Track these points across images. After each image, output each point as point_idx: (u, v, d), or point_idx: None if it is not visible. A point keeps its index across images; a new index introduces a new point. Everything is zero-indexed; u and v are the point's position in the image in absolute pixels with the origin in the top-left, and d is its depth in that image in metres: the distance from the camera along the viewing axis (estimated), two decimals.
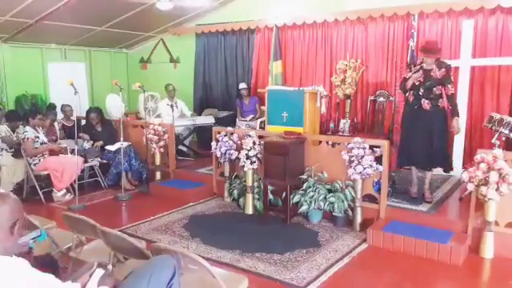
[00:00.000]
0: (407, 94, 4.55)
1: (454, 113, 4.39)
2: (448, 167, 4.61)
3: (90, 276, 1.79)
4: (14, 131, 5.94)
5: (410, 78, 4.45)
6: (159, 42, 9.05)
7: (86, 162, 5.83)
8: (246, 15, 7.56)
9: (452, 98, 4.39)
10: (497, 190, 3.53)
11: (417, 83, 4.38)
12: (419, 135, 4.40)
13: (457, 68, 5.68)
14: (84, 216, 2.83)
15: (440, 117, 4.41)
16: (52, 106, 7.18)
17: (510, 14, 5.52)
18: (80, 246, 2.94)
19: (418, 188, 4.68)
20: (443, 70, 4.32)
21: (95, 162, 5.97)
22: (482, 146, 5.14)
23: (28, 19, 6.77)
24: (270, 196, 4.75)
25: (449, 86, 4.33)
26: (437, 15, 6.02)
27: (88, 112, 6.45)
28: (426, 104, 4.35)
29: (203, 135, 7.44)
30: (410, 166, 4.69)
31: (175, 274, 2.00)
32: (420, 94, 4.38)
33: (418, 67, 4.43)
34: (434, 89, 4.34)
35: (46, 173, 5.41)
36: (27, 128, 5.50)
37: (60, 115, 6.84)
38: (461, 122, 5.54)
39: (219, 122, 7.15)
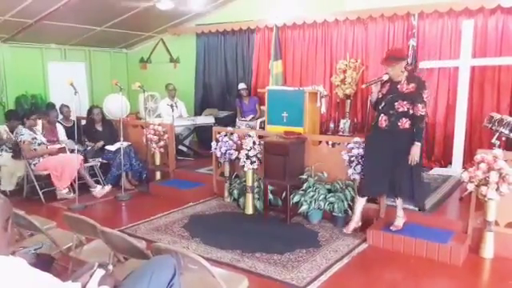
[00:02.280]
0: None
1: (416, 136, 3.66)
2: (416, 202, 3.97)
3: (91, 276, 1.79)
4: (12, 131, 5.94)
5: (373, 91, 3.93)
6: (159, 41, 9.06)
7: (86, 161, 5.82)
8: (245, 15, 7.57)
9: (420, 120, 3.65)
10: (497, 189, 3.53)
11: (380, 96, 3.81)
12: (373, 157, 3.87)
13: (456, 68, 5.70)
14: (84, 216, 2.83)
15: (398, 138, 3.70)
16: (50, 105, 7.17)
17: (510, 13, 5.53)
18: (80, 246, 2.94)
19: (356, 225, 4.12)
20: (413, 85, 3.63)
21: (95, 162, 5.97)
22: (482, 145, 5.16)
23: (28, 19, 6.77)
24: (270, 196, 4.75)
25: (419, 105, 3.61)
26: (437, 15, 6.03)
27: (91, 108, 6.43)
28: (382, 121, 3.74)
29: (203, 135, 7.45)
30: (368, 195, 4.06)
31: (175, 274, 2.00)
32: (380, 108, 3.79)
33: (377, 78, 3.90)
34: (396, 104, 3.65)
35: (46, 173, 5.40)
36: (23, 130, 5.43)
37: (59, 116, 6.83)
38: (461, 124, 5.62)
39: (219, 121, 7.15)
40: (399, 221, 3.96)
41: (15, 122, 6.01)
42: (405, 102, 3.63)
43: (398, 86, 3.69)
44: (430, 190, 4.64)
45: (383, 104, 3.73)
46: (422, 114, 3.63)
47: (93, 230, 2.68)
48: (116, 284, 1.90)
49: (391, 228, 3.92)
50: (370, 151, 3.93)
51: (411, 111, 3.65)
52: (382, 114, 3.73)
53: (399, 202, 3.93)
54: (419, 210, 4.14)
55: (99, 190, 5.57)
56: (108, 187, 5.66)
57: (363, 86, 4.04)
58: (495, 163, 3.53)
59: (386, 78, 3.72)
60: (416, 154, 3.67)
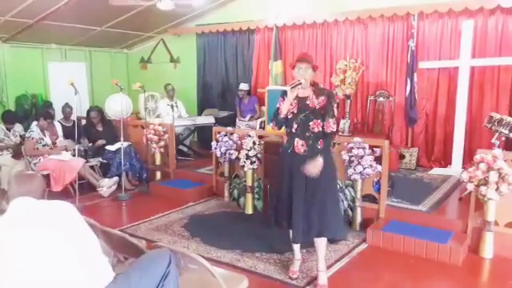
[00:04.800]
0: (286, 131, 3.24)
1: (321, 151, 3.04)
2: (340, 234, 3.36)
3: None
4: (9, 130, 5.98)
5: (285, 100, 3.13)
6: (159, 42, 9.06)
7: (86, 161, 5.81)
8: (245, 15, 7.57)
9: (329, 137, 3.12)
10: (496, 189, 3.54)
11: (290, 115, 3.13)
12: (295, 193, 3.09)
13: (456, 68, 5.71)
14: (84, 216, 2.83)
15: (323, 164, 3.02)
16: (48, 104, 7.16)
17: (510, 14, 5.53)
18: None
19: (299, 266, 3.41)
20: (322, 98, 3.09)
21: (96, 161, 5.97)
22: (482, 145, 5.15)
23: (28, 19, 6.77)
24: None
25: (330, 120, 3.03)
26: (437, 15, 6.04)
27: (89, 111, 6.44)
28: (299, 146, 3.09)
29: (203, 135, 7.46)
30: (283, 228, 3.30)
31: (171, 262, 2.09)
32: (293, 130, 3.13)
33: (296, 82, 3.06)
34: (311, 124, 3.06)
35: (46, 172, 5.39)
36: (34, 127, 5.49)
37: (60, 115, 6.82)
38: (461, 123, 5.62)
39: (219, 121, 7.16)
40: (322, 277, 3.20)
41: (10, 125, 6.06)
42: (319, 121, 3.07)
43: (308, 102, 3.11)
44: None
45: (295, 126, 3.11)
46: (333, 130, 3.06)
47: (93, 229, 2.67)
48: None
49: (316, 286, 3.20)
50: (286, 180, 3.16)
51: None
52: (297, 139, 3.10)
53: (320, 250, 3.21)
54: (331, 242, 3.55)
55: (107, 183, 5.50)
56: (115, 179, 5.60)
57: (288, 89, 3.12)
58: (495, 163, 3.54)
59: (303, 81, 3.06)
60: (314, 167, 2.96)
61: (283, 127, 3.23)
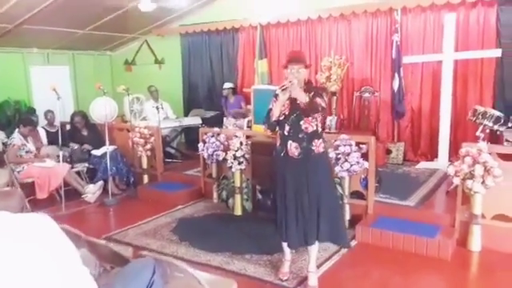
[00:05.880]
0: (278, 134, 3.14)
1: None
2: (344, 241, 3.34)
3: None
4: None
5: (276, 101, 3.03)
6: (143, 43, 8.98)
7: (72, 167, 5.73)
8: (229, 14, 7.53)
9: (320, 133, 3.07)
10: (482, 183, 3.57)
11: (281, 117, 3.03)
12: (288, 198, 3.03)
13: (440, 62, 5.74)
14: (68, 225, 2.76)
15: (313, 166, 3.01)
16: (31, 111, 7.04)
17: (491, 6, 5.58)
18: None
19: (289, 267, 3.38)
20: (312, 93, 2.96)
21: (82, 167, 5.89)
22: (467, 138, 5.20)
23: (7, 24, 6.66)
24: (259, 196, 4.74)
25: (318, 99, 2.93)
26: (419, 10, 6.07)
27: (72, 116, 6.36)
28: (293, 149, 2.99)
29: (190, 136, 7.40)
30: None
31: (155, 272, 2.05)
32: (285, 133, 3.03)
33: (287, 84, 2.92)
34: (302, 123, 2.97)
35: (30, 180, 5.31)
36: (15, 134, 5.46)
37: (44, 121, 6.72)
38: (446, 117, 5.66)
39: (206, 122, 7.12)
40: (313, 278, 3.18)
41: None
42: (310, 118, 2.97)
43: (299, 102, 2.97)
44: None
45: (288, 128, 3.01)
46: (323, 105, 2.97)
47: (77, 239, 2.63)
48: None
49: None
50: (281, 186, 3.08)
51: (320, 128, 3.06)
52: (291, 141, 2.99)
53: (313, 251, 3.17)
54: (343, 247, 3.61)
55: (92, 189, 5.46)
56: (100, 183, 5.55)
57: (278, 92, 3.01)
58: (480, 157, 3.57)
59: (295, 82, 2.92)
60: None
61: (277, 128, 3.13)
